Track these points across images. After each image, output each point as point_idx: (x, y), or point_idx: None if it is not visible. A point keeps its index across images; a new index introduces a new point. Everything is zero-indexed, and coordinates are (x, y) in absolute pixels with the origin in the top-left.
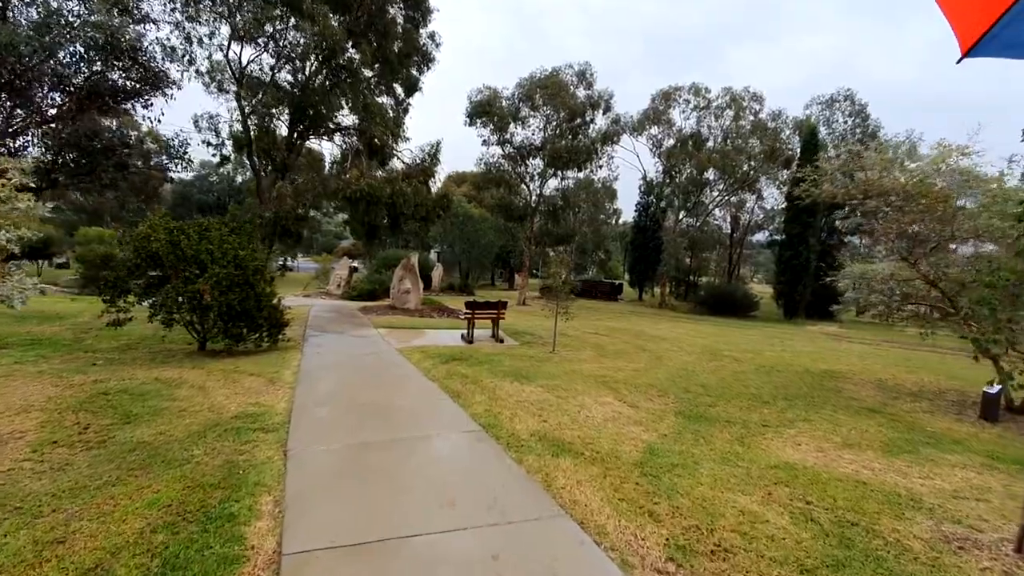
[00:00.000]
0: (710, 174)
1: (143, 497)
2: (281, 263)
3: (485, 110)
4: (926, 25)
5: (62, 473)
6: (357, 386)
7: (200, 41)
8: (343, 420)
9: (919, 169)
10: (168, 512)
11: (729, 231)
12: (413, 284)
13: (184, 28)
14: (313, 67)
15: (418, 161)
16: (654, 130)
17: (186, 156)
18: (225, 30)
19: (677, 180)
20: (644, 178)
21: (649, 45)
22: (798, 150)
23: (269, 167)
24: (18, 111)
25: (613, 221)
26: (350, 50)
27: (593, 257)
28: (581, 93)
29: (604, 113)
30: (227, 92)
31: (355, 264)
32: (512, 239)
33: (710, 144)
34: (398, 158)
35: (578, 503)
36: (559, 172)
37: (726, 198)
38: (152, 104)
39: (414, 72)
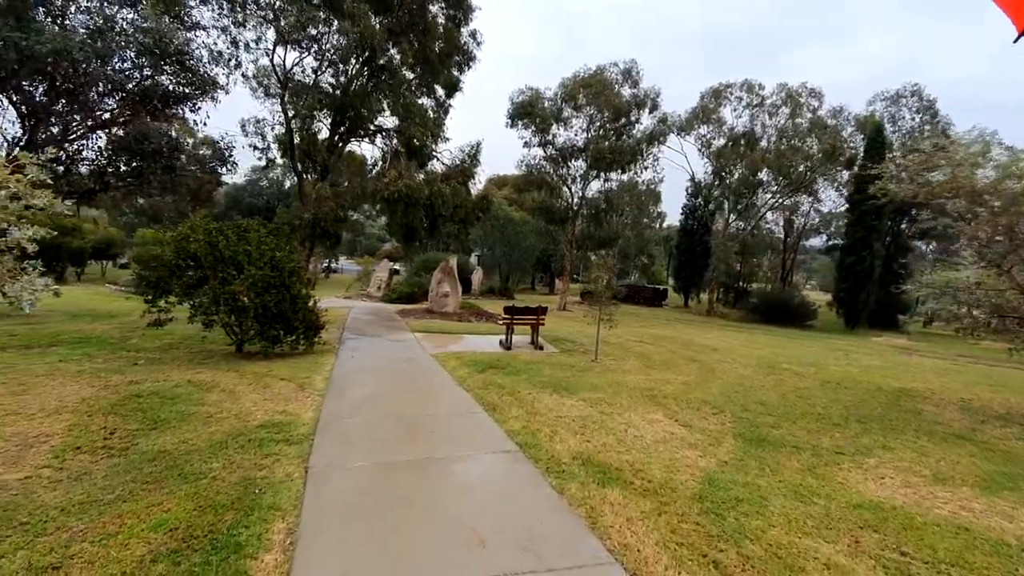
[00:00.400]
0: (763, 175)
1: (152, 517)
2: (326, 265)
3: (527, 111)
4: (996, 22)
5: (77, 484)
6: (388, 395)
7: (247, 46)
8: (369, 434)
9: None
10: (173, 536)
11: (782, 235)
12: (451, 287)
13: (231, 33)
14: (354, 69)
15: (457, 162)
16: (703, 129)
17: (231, 159)
18: (271, 35)
19: (728, 182)
20: (692, 180)
21: (697, 49)
22: (861, 149)
23: (311, 170)
24: (74, 116)
25: (657, 225)
26: (391, 50)
27: (636, 262)
28: (627, 92)
29: (651, 112)
30: (272, 96)
31: (396, 266)
32: (553, 242)
33: (763, 143)
34: (437, 159)
35: (629, 547)
36: (602, 174)
37: (780, 200)
38: (200, 108)
39: (455, 72)
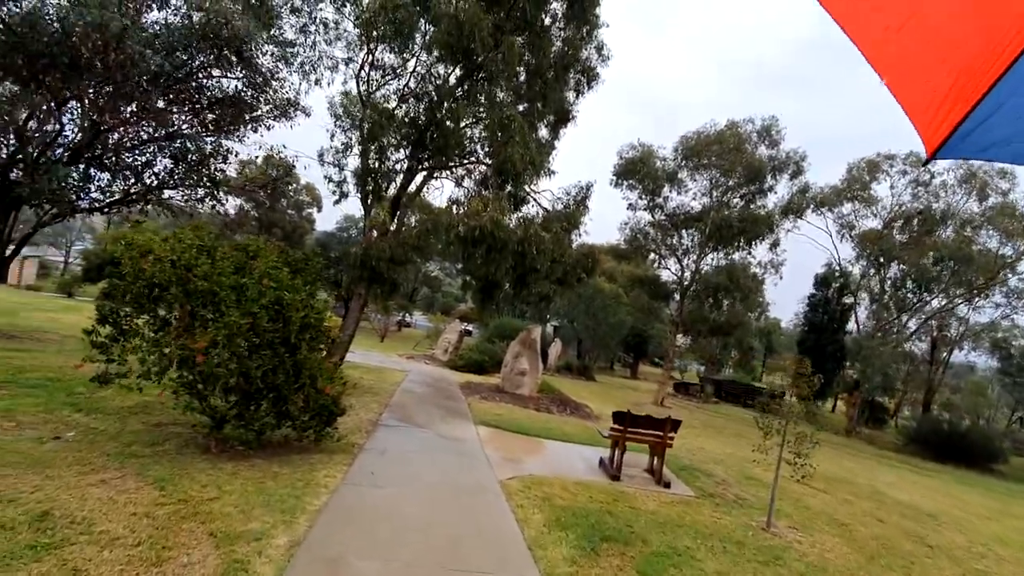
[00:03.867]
0: (935, 269)
1: None
2: (399, 318)
3: (636, 168)
4: None
5: None
6: None
7: (335, 67)
8: None
9: None
10: None
11: (929, 346)
12: (531, 364)
13: (316, 48)
14: (447, 76)
15: (560, 207)
16: (846, 208)
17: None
18: (362, 55)
19: (885, 273)
20: (829, 265)
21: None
22: None
23: (379, 204)
24: (145, 126)
25: (755, 314)
26: (495, 51)
27: (731, 353)
28: (763, 152)
29: (792, 178)
30: (352, 120)
31: (468, 327)
32: (649, 320)
33: (945, 232)
34: (535, 202)
35: None
36: (721, 247)
37: (951, 303)
38: (273, 127)
39: (569, 96)
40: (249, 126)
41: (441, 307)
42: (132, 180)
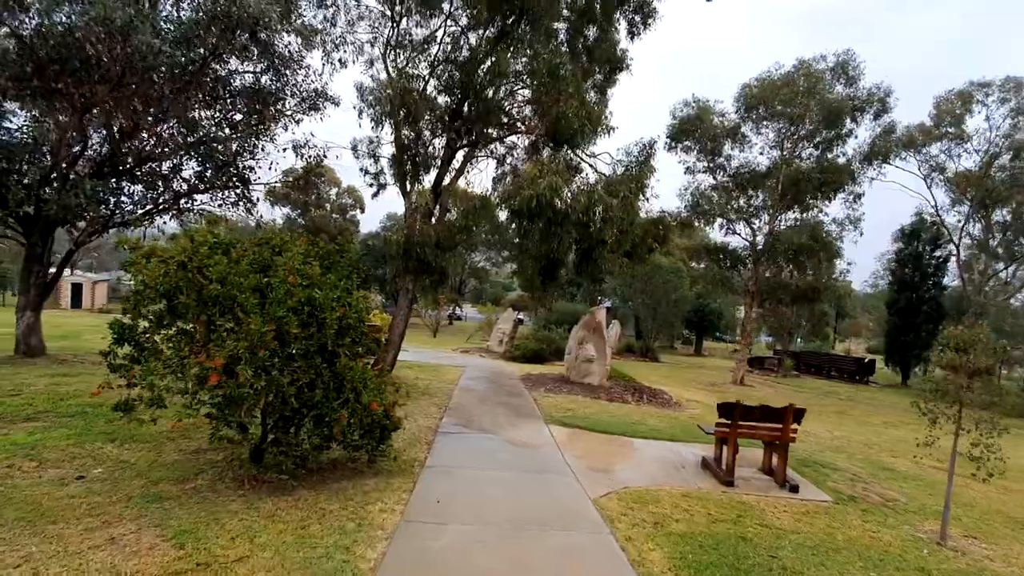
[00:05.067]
0: None
1: None
2: (450, 311)
3: (692, 127)
4: None
5: None
6: None
7: (361, 49)
8: None
9: None
10: None
11: None
12: (598, 350)
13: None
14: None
15: (620, 172)
16: (933, 148)
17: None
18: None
19: (990, 218)
20: (920, 215)
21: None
22: None
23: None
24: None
25: (836, 277)
26: None
27: (801, 323)
28: (840, 91)
29: (876, 118)
30: (381, 104)
31: (520, 316)
32: (719, 293)
33: None
34: (592, 169)
35: None
36: (798, 204)
37: None
38: (301, 120)
39: (620, 39)
40: (279, 123)
41: (490, 298)
42: (160, 188)
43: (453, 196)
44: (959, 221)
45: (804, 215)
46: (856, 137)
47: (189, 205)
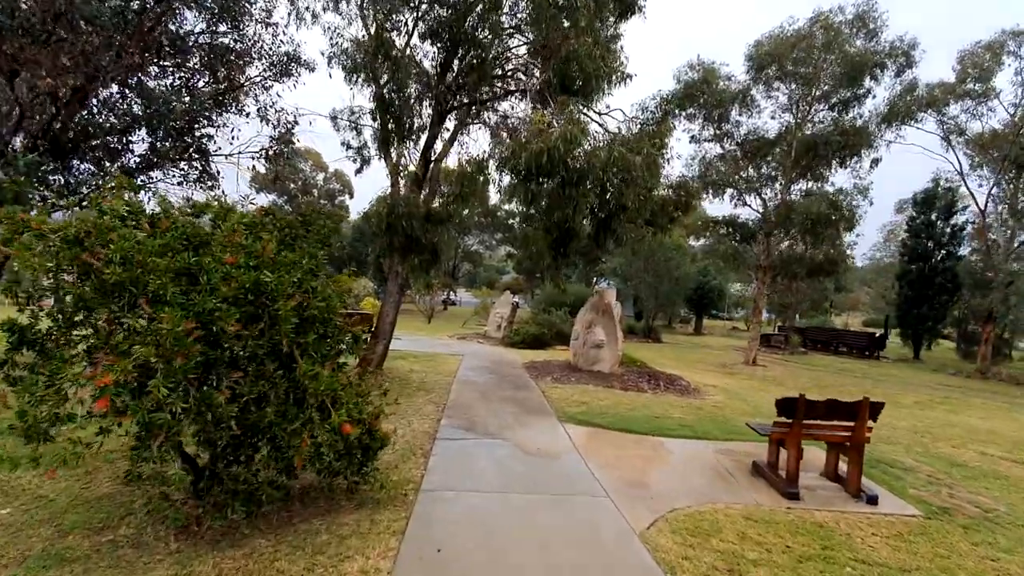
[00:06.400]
0: None
1: None
2: (444, 296)
3: (697, 92)
4: None
5: None
6: None
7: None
8: None
9: None
10: None
11: None
12: (609, 335)
13: None
14: None
15: (636, 128)
16: (952, 108)
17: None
18: None
19: (1019, 182)
20: (936, 181)
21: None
22: None
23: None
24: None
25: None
26: None
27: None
28: (859, 45)
29: (898, 74)
30: (365, 72)
31: (516, 300)
32: (729, 268)
33: None
34: (603, 128)
35: None
36: (810, 172)
37: None
38: (271, 87)
39: None
40: (246, 91)
41: (484, 281)
42: (108, 165)
43: (445, 171)
44: (980, 186)
45: (817, 184)
46: (874, 97)
47: (143, 183)
